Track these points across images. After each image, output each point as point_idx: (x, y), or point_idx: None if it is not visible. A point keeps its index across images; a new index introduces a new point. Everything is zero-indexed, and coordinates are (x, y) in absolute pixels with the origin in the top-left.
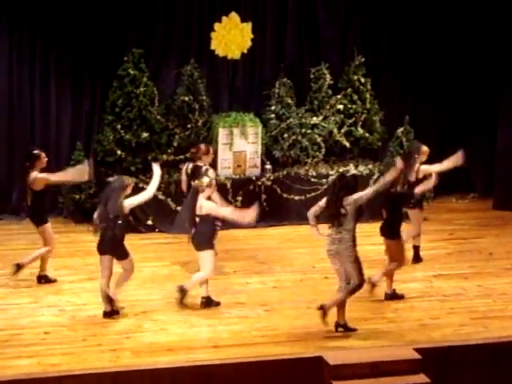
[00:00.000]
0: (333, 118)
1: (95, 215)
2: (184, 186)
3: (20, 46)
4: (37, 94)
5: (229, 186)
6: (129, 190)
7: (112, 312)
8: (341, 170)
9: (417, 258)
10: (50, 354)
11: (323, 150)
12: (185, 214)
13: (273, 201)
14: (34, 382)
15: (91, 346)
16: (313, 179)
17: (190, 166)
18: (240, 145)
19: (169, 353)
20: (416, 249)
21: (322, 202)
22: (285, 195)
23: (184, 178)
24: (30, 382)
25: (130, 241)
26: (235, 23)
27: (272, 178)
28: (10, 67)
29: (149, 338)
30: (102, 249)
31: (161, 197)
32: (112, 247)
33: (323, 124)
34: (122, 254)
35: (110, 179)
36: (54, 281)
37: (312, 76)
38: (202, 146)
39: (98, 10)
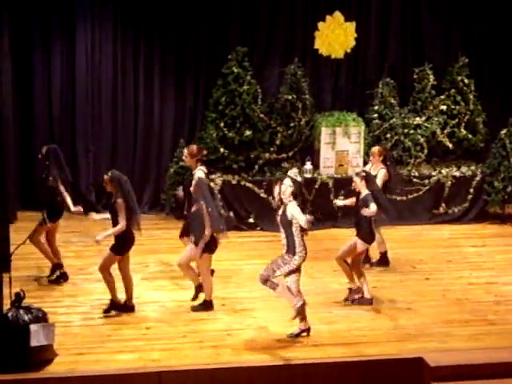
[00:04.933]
0: (436, 119)
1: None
2: None
3: (124, 44)
4: (140, 91)
5: (331, 185)
6: None
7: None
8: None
9: (386, 263)
10: (151, 349)
11: (426, 151)
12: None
13: None
14: (135, 377)
15: (192, 342)
16: (415, 180)
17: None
18: (342, 144)
19: (268, 351)
20: (383, 254)
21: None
22: (386, 195)
23: None
24: (131, 377)
25: (231, 238)
26: (339, 22)
27: None
28: (115, 65)
29: (249, 335)
30: None
31: (263, 195)
32: None
33: (426, 124)
34: None
35: (117, 177)
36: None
37: (415, 76)
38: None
39: (203, 8)
